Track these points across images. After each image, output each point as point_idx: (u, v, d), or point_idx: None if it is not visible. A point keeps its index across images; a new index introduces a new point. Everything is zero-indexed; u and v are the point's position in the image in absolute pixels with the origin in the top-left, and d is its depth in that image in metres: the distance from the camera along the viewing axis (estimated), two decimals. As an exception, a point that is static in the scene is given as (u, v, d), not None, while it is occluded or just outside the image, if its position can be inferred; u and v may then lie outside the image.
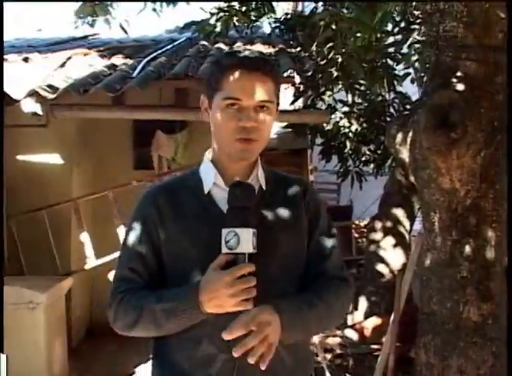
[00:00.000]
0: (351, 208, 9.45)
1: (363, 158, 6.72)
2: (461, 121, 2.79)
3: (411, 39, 4.80)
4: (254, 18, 7.06)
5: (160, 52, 6.52)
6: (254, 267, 1.63)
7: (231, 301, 1.62)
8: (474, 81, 2.97)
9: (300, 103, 6.83)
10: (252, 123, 1.76)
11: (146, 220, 1.84)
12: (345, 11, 5.44)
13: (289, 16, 7.40)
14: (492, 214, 3.08)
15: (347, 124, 6.48)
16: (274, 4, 7.38)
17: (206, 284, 1.66)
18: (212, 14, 6.78)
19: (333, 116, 6.55)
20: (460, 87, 2.95)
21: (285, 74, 5.16)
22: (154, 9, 6.82)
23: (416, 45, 4.97)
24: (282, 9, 9.23)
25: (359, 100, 6.50)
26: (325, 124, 6.60)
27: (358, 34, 4.99)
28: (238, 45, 6.91)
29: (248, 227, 1.64)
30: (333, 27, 5.19)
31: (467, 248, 3.10)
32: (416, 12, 4.12)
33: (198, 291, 1.66)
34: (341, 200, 10.06)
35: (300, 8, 10.44)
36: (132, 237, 1.87)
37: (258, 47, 6.70)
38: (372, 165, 6.72)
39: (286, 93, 6.41)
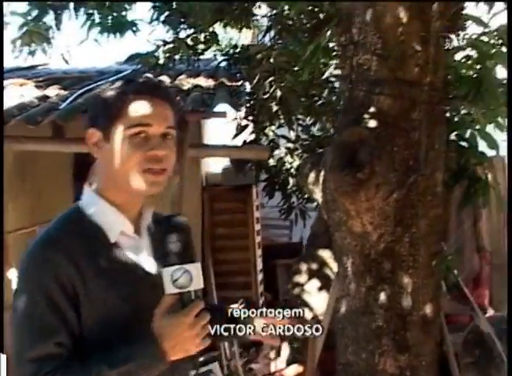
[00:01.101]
0: (302, 245, 9.23)
1: (306, 195, 6.56)
2: (369, 161, 2.61)
3: (327, 73, 4.67)
4: (200, 51, 6.90)
5: (99, 83, 6.35)
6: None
7: (195, 342, 1.55)
8: (388, 118, 2.80)
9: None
10: (163, 151, 1.64)
11: (59, 277, 1.57)
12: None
13: (238, 50, 7.28)
14: (408, 259, 2.89)
15: (290, 160, 6.33)
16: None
17: (165, 331, 1.51)
18: (158, 47, 6.67)
19: (277, 151, 6.43)
20: (373, 123, 2.77)
21: (218, 109, 5.05)
22: (96, 40, 6.62)
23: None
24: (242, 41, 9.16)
25: (305, 136, 6.37)
26: (270, 160, 6.46)
27: (296, 68, 4.88)
28: (181, 78, 6.80)
29: (195, 262, 1.56)
30: (271, 60, 5.08)
31: (382, 295, 2.90)
32: (331, 44, 3.97)
33: (158, 341, 1.50)
34: (294, 236, 9.85)
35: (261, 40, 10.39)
36: (45, 302, 1.56)
37: (200, 80, 6.59)
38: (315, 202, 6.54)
39: (228, 128, 6.30)
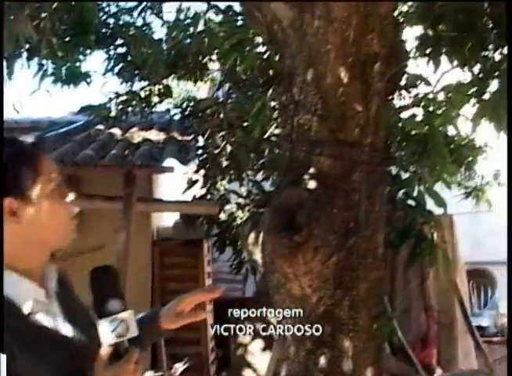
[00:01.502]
0: (254, 301, 9.08)
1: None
2: (307, 223, 2.57)
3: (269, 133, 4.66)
4: (153, 103, 6.87)
5: (48, 135, 6.28)
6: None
7: None
8: (328, 179, 2.76)
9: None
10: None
11: None
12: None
13: (191, 103, 7.26)
14: (348, 322, 2.82)
15: (241, 215, 6.28)
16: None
17: None
18: (110, 98, 6.63)
19: (229, 206, 6.38)
20: (312, 184, 2.73)
21: (166, 164, 5.01)
22: (48, 91, 6.57)
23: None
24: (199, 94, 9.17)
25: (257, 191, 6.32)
26: (221, 214, 6.41)
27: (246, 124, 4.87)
28: (132, 131, 6.76)
29: (126, 310, 1.56)
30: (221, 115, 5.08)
31: (322, 360, 2.82)
32: (273, 103, 3.96)
33: None
34: (247, 291, 9.72)
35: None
36: None
37: (152, 134, 6.55)
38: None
39: (179, 182, 6.25)
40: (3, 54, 4.87)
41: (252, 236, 3.07)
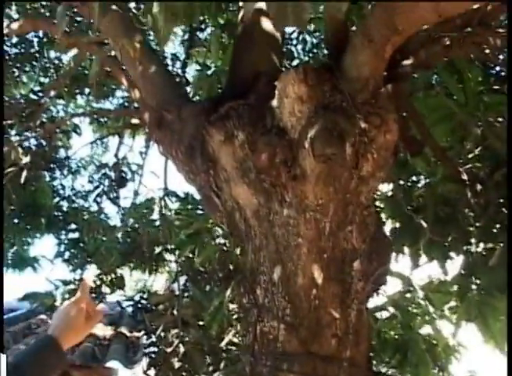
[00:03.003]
0: None
1: None
2: None
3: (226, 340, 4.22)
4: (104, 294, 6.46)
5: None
6: None
7: None
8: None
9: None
10: None
11: None
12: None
13: (145, 295, 6.85)
14: None
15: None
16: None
17: None
18: (57, 287, 6.25)
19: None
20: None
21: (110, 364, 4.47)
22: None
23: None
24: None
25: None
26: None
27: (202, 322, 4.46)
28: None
29: None
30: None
31: None
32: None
33: None
34: None
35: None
36: None
37: (98, 328, 6.03)
38: None
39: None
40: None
41: None
